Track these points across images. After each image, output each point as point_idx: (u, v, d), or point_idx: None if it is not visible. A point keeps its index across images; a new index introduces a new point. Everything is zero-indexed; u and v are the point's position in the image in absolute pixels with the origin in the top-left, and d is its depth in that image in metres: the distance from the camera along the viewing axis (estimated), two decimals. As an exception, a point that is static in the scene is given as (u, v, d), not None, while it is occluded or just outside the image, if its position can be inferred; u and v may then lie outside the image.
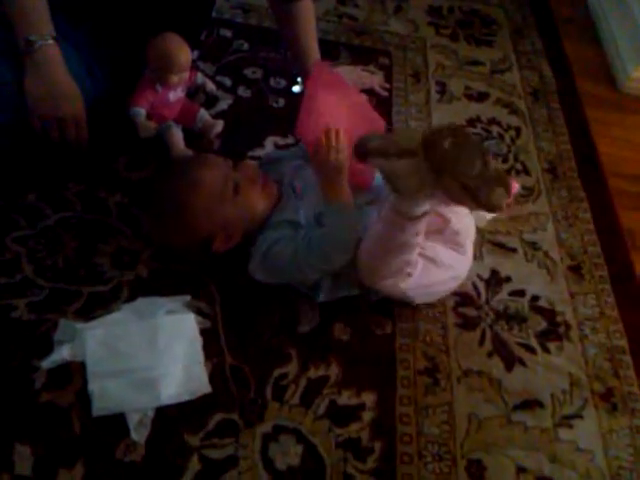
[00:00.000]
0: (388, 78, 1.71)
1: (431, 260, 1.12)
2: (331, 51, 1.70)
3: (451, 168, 0.89)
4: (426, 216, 1.00)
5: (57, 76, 1.15)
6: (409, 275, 1.10)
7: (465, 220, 1.18)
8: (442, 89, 1.73)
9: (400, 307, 1.20)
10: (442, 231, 1.14)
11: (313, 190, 1.15)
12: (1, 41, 1.15)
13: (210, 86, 1.49)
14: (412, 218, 0.99)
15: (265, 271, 1.13)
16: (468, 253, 1.20)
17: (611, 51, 2.01)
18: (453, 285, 1.21)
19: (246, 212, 1.14)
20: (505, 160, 1.57)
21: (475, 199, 0.89)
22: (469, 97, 1.73)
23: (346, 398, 1.06)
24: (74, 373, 1.01)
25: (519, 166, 1.57)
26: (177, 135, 1.34)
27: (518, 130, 1.66)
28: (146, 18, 1.28)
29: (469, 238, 1.20)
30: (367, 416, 1.05)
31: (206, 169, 1.14)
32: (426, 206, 0.99)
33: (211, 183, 1.12)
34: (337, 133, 1.07)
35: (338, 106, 1.21)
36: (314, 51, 1.50)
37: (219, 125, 1.40)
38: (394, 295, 1.16)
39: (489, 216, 1.38)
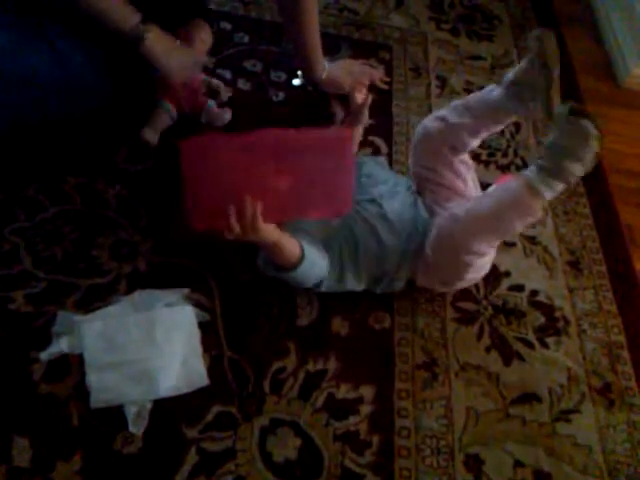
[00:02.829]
0: (388, 72, 1.70)
1: None
2: (332, 45, 1.69)
3: None
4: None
5: (173, 44, 1.24)
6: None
7: None
8: (442, 84, 1.73)
9: (399, 301, 1.20)
10: None
11: None
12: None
13: (216, 82, 1.48)
14: (542, 199, 1.00)
15: (270, 271, 1.13)
16: None
17: (612, 47, 2.00)
18: (485, 272, 1.22)
19: None
20: (505, 155, 1.57)
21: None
22: (469, 92, 1.72)
23: (344, 392, 1.07)
24: (72, 365, 1.01)
25: (519, 161, 1.56)
26: (162, 121, 1.34)
27: (518, 126, 1.66)
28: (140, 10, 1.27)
29: None
30: (365, 410, 1.05)
31: None
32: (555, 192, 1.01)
33: None
34: (238, 212, 0.95)
35: (236, 165, 0.96)
36: (316, 45, 1.49)
37: (227, 114, 1.39)
38: (445, 277, 1.17)
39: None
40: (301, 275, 1.07)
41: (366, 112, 1.27)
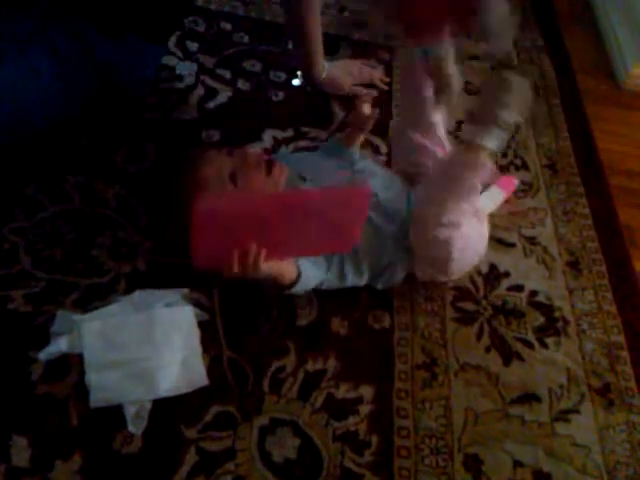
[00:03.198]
0: (388, 72, 1.70)
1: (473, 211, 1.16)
2: (331, 44, 1.69)
3: None
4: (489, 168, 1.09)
5: None
6: (460, 225, 1.11)
7: None
8: (442, 84, 1.73)
9: (399, 301, 1.21)
10: None
11: (321, 174, 1.18)
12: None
13: None
14: (482, 148, 1.05)
15: None
16: (485, 223, 1.21)
17: (612, 47, 2.01)
18: (481, 253, 1.23)
19: None
20: (504, 155, 1.57)
21: None
22: (469, 92, 1.72)
23: (344, 391, 1.06)
24: (71, 365, 1.01)
25: (518, 161, 1.56)
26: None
27: (517, 126, 1.66)
28: (125, 7, 1.25)
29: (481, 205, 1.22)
30: (364, 410, 1.05)
31: (197, 167, 1.10)
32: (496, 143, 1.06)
33: (204, 180, 1.08)
34: (240, 258, 0.94)
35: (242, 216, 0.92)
36: (317, 46, 1.49)
37: None
38: (437, 261, 1.16)
39: (491, 208, 1.38)
40: (297, 290, 1.08)
41: (371, 123, 1.29)
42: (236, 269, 0.94)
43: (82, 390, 0.98)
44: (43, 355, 1.00)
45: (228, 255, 0.93)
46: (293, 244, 0.98)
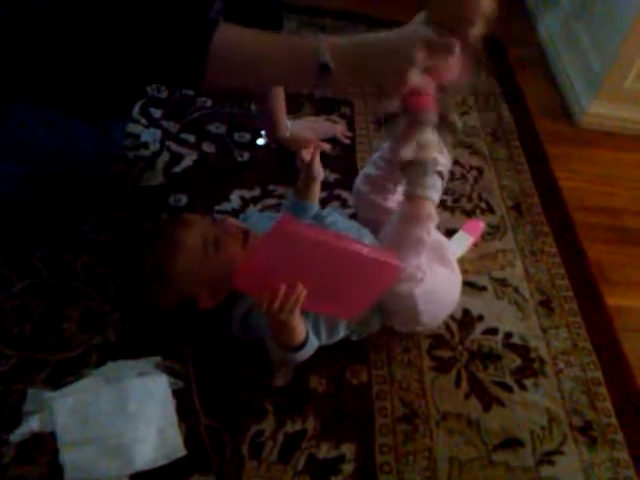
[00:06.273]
0: (351, 126, 1.74)
1: (438, 259, 1.20)
2: (294, 103, 1.73)
3: None
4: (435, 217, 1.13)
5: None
6: (421, 280, 1.12)
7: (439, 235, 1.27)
8: (404, 134, 1.76)
9: (375, 354, 1.20)
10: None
11: None
12: None
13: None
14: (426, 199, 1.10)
15: (245, 334, 1.13)
16: (456, 270, 1.23)
17: (566, 87, 2.08)
18: (453, 300, 1.24)
19: (230, 267, 1.13)
20: (469, 199, 1.60)
21: None
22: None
23: (325, 451, 1.05)
24: (45, 444, 0.98)
25: (484, 205, 1.59)
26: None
27: (480, 170, 1.69)
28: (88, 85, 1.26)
29: (451, 252, 1.27)
30: (348, 468, 1.03)
31: (184, 229, 1.12)
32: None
33: (190, 242, 1.10)
34: (285, 293, 0.94)
35: (298, 261, 0.95)
36: (281, 108, 1.52)
37: None
38: (406, 314, 1.18)
39: (459, 253, 1.39)
40: (301, 355, 1.08)
41: (316, 167, 1.31)
42: (276, 305, 0.94)
43: (57, 470, 0.95)
44: (14, 436, 0.97)
45: (272, 287, 0.94)
46: (314, 295, 0.97)
